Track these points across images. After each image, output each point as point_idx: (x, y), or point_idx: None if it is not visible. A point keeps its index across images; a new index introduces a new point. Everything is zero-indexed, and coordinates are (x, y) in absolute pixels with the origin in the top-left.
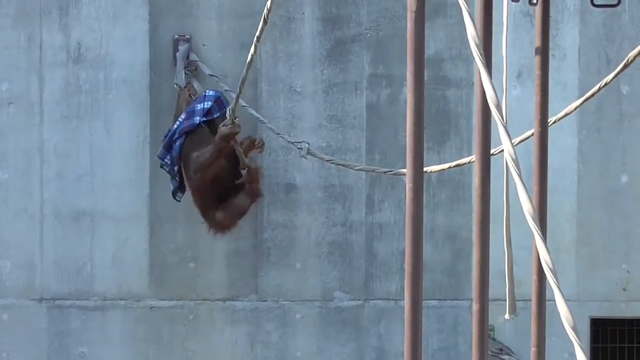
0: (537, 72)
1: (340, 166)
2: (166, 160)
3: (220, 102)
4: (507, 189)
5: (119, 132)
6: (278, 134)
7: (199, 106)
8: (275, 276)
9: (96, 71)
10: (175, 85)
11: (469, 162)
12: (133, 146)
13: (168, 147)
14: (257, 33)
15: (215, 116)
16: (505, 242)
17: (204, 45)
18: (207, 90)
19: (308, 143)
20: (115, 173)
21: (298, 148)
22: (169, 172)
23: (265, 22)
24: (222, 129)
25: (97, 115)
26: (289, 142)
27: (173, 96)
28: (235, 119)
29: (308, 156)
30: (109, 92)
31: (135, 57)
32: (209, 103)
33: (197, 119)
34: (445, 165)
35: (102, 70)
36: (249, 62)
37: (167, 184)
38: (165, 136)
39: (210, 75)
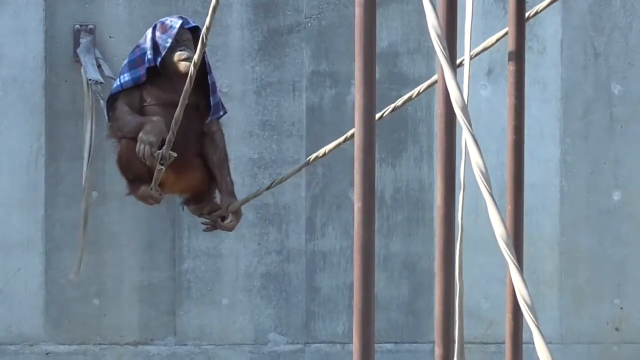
0: (511, 68)
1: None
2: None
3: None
4: (463, 208)
5: (7, 142)
6: None
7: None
8: (197, 315)
9: None
10: (88, 82)
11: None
12: (24, 158)
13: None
14: (207, 22)
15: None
16: (457, 272)
17: (110, 37)
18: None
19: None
20: (2, 191)
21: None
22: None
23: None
24: (142, 190)
25: None
26: None
27: (73, 98)
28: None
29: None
30: None
31: (27, 52)
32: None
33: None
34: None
35: None
36: (195, 63)
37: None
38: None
39: (109, 77)
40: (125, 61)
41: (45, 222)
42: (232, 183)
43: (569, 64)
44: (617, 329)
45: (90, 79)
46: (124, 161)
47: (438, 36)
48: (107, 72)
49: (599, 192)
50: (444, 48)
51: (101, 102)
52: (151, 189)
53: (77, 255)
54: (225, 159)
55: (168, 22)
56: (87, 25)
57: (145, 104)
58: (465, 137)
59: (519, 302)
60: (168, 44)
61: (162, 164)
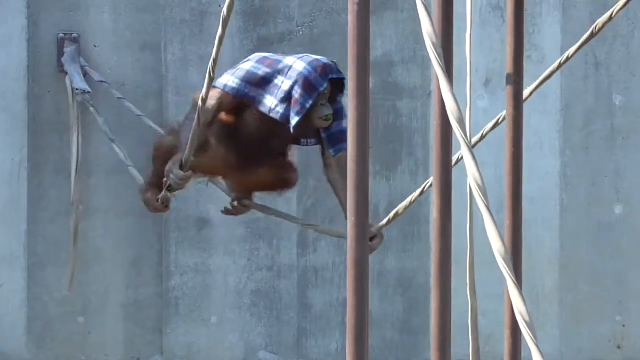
0: (509, 78)
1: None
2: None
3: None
4: (472, 223)
5: None
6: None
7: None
8: (184, 332)
9: None
10: (75, 92)
11: (424, 190)
12: (7, 171)
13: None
14: (213, 54)
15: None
16: (469, 290)
17: (95, 46)
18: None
19: None
20: None
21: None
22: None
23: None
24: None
25: None
26: None
27: (57, 109)
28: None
29: None
30: None
31: (9, 61)
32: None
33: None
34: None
35: None
36: (209, 74)
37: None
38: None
39: (100, 81)
40: (245, 67)
41: (28, 237)
42: None
43: (569, 73)
44: (619, 347)
45: (77, 89)
46: (160, 155)
47: (434, 45)
48: (97, 77)
49: (600, 206)
50: (439, 57)
51: (91, 109)
52: (157, 200)
53: (69, 270)
54: None
55: (312, 78)
56: (71, 34)
57: (245, 117)
58: (462, 149)
59: (518, 319)
60: (308, 105)
61: (169, 190)
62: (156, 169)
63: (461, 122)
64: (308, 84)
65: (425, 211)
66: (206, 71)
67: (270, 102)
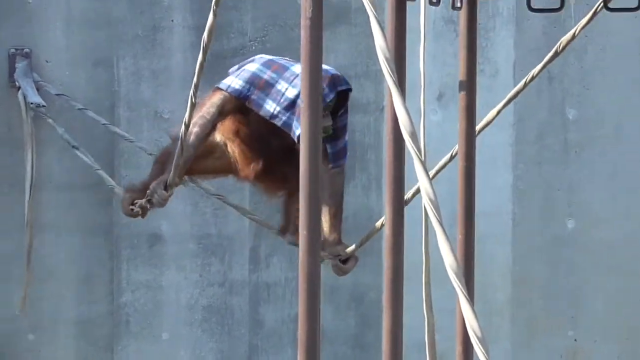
0: (462, 92)
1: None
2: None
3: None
4: (427, 238)
5: None
6: (150, 154)
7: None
8: (136, 349)
9: None
10: (29, 106)
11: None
12: None
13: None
14: (195, 80)
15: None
16: (425, 306)
17: (47, 61)
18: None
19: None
20: None
21: None
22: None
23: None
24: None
25: None
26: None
27: (8, 124)
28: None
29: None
30: None
31: None
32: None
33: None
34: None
35: None
36: (194, 89)
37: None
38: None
39: (58, 94)
40: (250, 69)
41: None
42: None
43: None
44: None
45: (31, 103)
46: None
47: (386, 59)
48: (54, 91)
49: (553, 220)
50: (392, 72)
51: (49, 120)
52: (133, 204)
53: (22, 288)
54: (339, 204)
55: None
56: (23, 49)
57: (250, 119)
58: (414, 164)
59: (470, 334)
60: None
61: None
62: (152, 173)
63: (414, 136)
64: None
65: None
66: (157, 84)
67: (272, 108)
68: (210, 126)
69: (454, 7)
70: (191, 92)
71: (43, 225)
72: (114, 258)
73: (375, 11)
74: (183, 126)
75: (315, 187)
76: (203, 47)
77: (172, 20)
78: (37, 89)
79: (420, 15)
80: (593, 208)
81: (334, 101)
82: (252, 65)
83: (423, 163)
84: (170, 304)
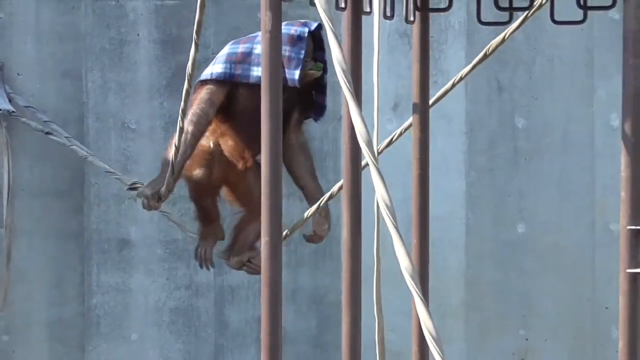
0: (416, 102)
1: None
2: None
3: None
4: (378, 242)
5: None
6: (108, 171)
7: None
8: (106, 349)
9: None
10: (0, 111)
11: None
12: None
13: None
14: (188, 68)
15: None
16: (376, 307)
17: (18, 74)
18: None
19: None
20: None
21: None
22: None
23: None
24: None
25: None
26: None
27: None
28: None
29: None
30: None
31: None
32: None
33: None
34: None
35: None
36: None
37: None
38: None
39: (26, 107)
40: (224, 52)
41: None
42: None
43: (474, 98)
44: None
45: (1, 109)
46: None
47: (343, 71)
48: (22, 103)
49: (504, 225)
50: (349, 83)
51: (23, 120)
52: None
53: (2, 288)
54: (314, 168)
55: (294, 31)
56: None
57: (237, 104)
58: (370, 171)
59: (425, 334)
60: (302, 55)
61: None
62: (159, 176)
63: (370, 145)
64: (292, 38)
65: (337, 232)
66: (124, 96)
67: (259, 72)
68: (205, 122)
69: (407, 21)
70: (179, 117)
71: (17, 230)
72: (84, 262)
73: (332, 24)
74: (173, 148)
75: (276, 193)
76: (187, 77)
77: (138, 34)
78: (10, 100)
79: (374, 28)
80: (542, 213)
81: (311, 47)
82: (224, 50)
83: (379, 171)
84: (139, 306)
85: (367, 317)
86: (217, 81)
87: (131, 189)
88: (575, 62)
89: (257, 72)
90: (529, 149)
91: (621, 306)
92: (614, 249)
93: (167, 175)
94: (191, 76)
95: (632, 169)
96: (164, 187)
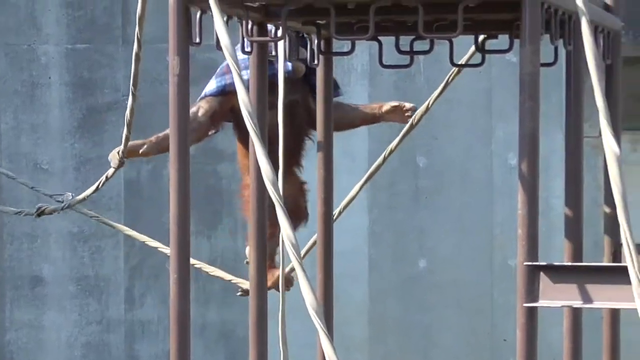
0: (320, 141)
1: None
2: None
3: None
4: (282, 278)
5: None
6: (33, 187)
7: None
8: None
9: None
10: None
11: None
12: None
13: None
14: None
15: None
16: (281, 341)
17: None
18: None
19: (72, 194)
20: None
21: (58, 201)
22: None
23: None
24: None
25: None
26: (46, 194)
27: None
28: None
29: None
30: None
31: None
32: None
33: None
34: None
35: None
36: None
37: None
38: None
39: None
40: (216, 73)
41: None
42: None
43: (376, 137)
44: None
45: None
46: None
47: (249, 114)
48: None
49: (406, 260)
50: (255, 125)
51: None
52: (118, 152)
53: None
54: (355, 106)
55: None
56: None
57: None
58: (277, 210)
59: None
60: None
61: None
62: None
63: (275, 185)
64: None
65: (245, 268)
66: (36, 137)
67: (248, 75)
68: (195, 133)
69: (310, 64)
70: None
71: None
72: None
73: (239, 68)
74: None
75: (184, 232)
76: (127, 123)
77: (50, 77)
78: None
79: (279, 72)
80: (443, 249)
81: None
82: (215, 74)
83: (284, 209)
84: (52, 342)
85: (275, 351)
86: (213, 95)
87: (38, 214)
88: (473, 102)
89: (246, 75)
90: (430, 187)
91: (519, 339)
92: (512, 283)
93: (132, 141)
94: (130, 122)
95: (528, 207)
96: (127, 146)
